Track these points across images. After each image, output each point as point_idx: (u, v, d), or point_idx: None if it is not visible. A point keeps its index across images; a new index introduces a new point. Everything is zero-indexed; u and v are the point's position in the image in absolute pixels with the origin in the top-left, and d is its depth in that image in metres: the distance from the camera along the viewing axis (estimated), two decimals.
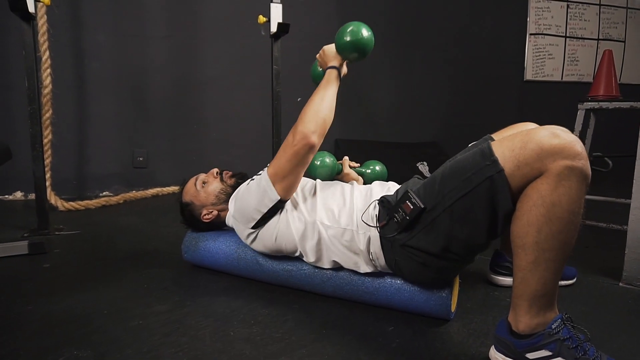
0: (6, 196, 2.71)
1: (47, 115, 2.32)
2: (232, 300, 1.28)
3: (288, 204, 1.29)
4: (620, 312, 1.26)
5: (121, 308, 1.22)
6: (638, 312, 1.26)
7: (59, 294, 1.31)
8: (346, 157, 1.67)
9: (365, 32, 1.28)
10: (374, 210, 1.19)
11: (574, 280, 1.45)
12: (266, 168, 1.27)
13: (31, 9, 1.83)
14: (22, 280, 1.43)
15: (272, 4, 2.18)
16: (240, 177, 1.48)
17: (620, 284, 1.45)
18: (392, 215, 1.11)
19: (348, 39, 1.27)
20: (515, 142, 0.92)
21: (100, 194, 2.87)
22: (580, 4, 4.24)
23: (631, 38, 4.38)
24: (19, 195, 2.72)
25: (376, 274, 1.24)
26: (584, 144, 2.24)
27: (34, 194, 1.98)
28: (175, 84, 3.06)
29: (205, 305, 1.25)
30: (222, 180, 1.47)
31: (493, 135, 1.30)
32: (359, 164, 1.65)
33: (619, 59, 4.37)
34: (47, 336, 1.06)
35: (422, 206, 1.04)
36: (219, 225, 1.49)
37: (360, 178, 1.62)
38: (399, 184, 1.30)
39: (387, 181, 1.44)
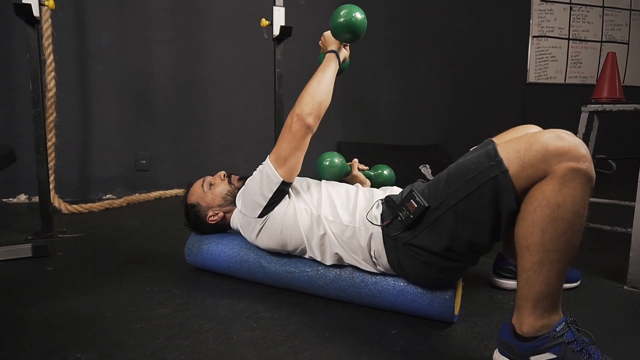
0: (10, 199, 2.72)
1: (51, 118, 2.33)
2: (234, 303, 1.28)
3: (294, 197, 1.31)
4: (625, 315, 1.25)
5: (124, 311, 1.22)
6: None
7: (62, 297, 1.31)
8: (355, 160, 1.68)
9: (358, 14, 1.32)
10: (378, 210, 1.20)
11: (578, 283, 1.45)
12: (268, 156, 1.30)
13: (36, 13, 1.84)
14: (25, 282, 1.44)
15: (274, 7, 2.19)
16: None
17: (625, 287, 1.45)
18: (397, 214, 1.12)
19: (341, 20, 1.32)
20: (520, 144, 0.93)
21: (104, 197, 2.88)
22: (584, 6, 4.23)
23: (635, 40, 4.37)
24: (22, 198, 2.73)
25: (379, 276, 1.23)
26: (587, 146, 2.24)
27: (37, 197, 1.98)
28: (178, 87, 3.07)
29: (208, 308, 1.25)
30: (230, 182, 1.47)
31: (494, 139, 1.29)
32: (367, 167, 1.66)
33: (623, 61, 4.35)
34: (50, 339, 1.06)
35: (426, 205, 1.05)
36: (223, 228, 1.49)
37: (368, 181, 1.63)
38: (402, 188, 1.31)
39: (393, 185, 1.45)
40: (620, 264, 1.49)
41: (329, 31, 1.41)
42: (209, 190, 1.45)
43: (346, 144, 3.53)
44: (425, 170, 3.56)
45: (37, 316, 1.19)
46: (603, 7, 4.27)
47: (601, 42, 4.32)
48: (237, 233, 1.45)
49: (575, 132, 2.05)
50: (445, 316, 1.16)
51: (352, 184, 1.41)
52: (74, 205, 2.46)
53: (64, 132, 2.57)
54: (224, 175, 1.50)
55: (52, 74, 2.29)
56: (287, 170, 1.26)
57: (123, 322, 1.16)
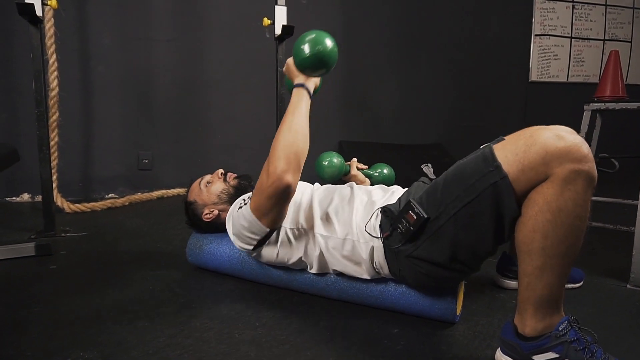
0: (13, 198, 2.73)
1: (54, 117, 2.34)
2: (237, 303, 1.29)
3: (286, 220, 1.26)
4: (627, 314, 1.25)
5: (127, 310, 1.23)
6: None
7: (65, 296, 1.32)
8: (354, 159, 1.67)
9: (327, 42, 1.12)
10: (376, 220, 1.15)
11: (582, 283, 1.44)
12: (248, 202, 1.22)
13: (39, 12, 1.84)
14: (28, 281, 1.44)
15: (276, 7, 2.19)
16: (244, 179, 1.48)
17: (628, 285, 1.44)
18: (396, 226, 1.08)
19: (306, 54, 1.11)
20: (518, 145, 0.89)
21: (106, 196, 2.89)
22: (586, 5, 4.21)
23: (638, 38, 4.35)
24: (26, 197, 2.74)
25: (380, 279, 1.23)
26: (590, 145, 2.24)
27: (40, 196, 1.99)
28: (180, 87, 3.08)
29: (210, 307, 1.26)
30: (225, 180, 1.47)
31: (507, 138, 1.25)
32: (367, 166, 1.65)
33: (626, 59, 4.33)
34: (53, 337, 1.07)
35: (426, 216, 1.01)
36: (219, 227, 1.47)
37: (367, 180, 1.62)
38: (405, 187, 1.29)
39: (393, 184, 1.43)
40: (623, 263, 1.48)
41: (292, 58, 1.22)
42: (205, 188, 1.46)
43: (347, 143, 3.53)
44: (427, 169, 3.56)
45: (40, 315, 1.19)
46: (606, 5, 4.25)
47: (604, 40, 4.30)
48: None
49: (578, 131, 2.04)
50: (447, 317, 1.16)
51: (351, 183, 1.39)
52: (77, 205, 2.46)
53: (67, 131, 2.58)
54: (221, 174, 1.50)
55: (55, 73, 2.30)
56: (270, 220, 1.19)
57: (125, 320, 1.16)
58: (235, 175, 1.50)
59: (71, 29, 2.74)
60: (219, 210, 1.45)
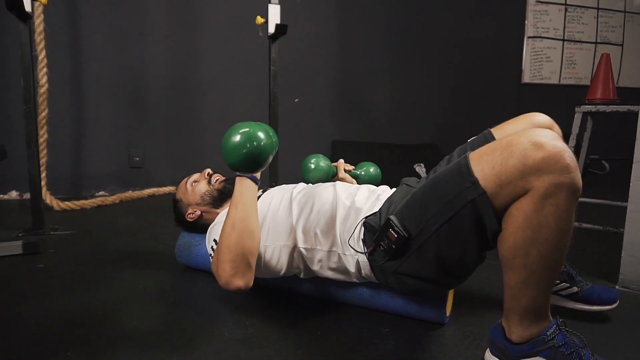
0: (1, 195, 2.69)
1: (43, 114, 2.31)
2: (227, 302, 1.28)
3: (266, 240, 1.19)
4: (616, 315, 1.25)
5: (116, 309, 1.21)
6: (634, 315, 1.26)
7: (53, 295, 1.30)
8: (341, 160, 1.63)
9: (260, 135, 0.98)
10: (360, 234, 1.11)
11: (616, 305, 1.22)
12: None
13: (28, 8, 1.82)
14: (15, 280, 1.42)
15: (270, 5, 2.18)
16: (230, 183, 1.43)
17: (617, 287, 1.45)
18: (378, 243, 1.03)
19: (237, 157, 0.98)
20: (495, 157, 0.83)
21: (96, 194, 2.86)
22: (579, 8, 4.25)
23: (629, 42, 4.39)
24: (14, 194, 2.71)
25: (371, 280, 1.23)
26: (580, 147, 2.26)
27: (29, 194, 1.97)
28: (172, 84, 3.06)
29: (200, 306, 1.25)
30: (209, 182, 1.45)
31: (493, 130, 1.21)
32: (353, 167, 1.63)
33: (617, 62, 4.37)
34: (40, 338, 1.05)
35: (406, 235, 0.97)
36: (201, 227, 1.44)
37: (354, 181, 1.61)
38: (394, 187, 1.28)
39: (381, 183, 1.41)
40: (612, 264, 1.49)
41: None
42: (191, 188, 1.45)
43: (341, 142, 3.53)
44: (420, 169, 3.57)
45: (27, 314, 1.17)
46: (598, 8, 4.29)
47: (596, 43, 4.34)
48: None
49: (569, 133, 2.06)
50: (437, 318, 1.17)
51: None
52: (66, 202, 2.44)
53: (57, 128, 2.55)
54: (207, 174, 1.48)
55: (44, 70, 2.27)
56: (244, 282, 1.05)
57: (114, 320, 1.15)
58: (222, 178, 1.46)
59: (62, 25, 2.71)
60: (202, 211, 1.43)
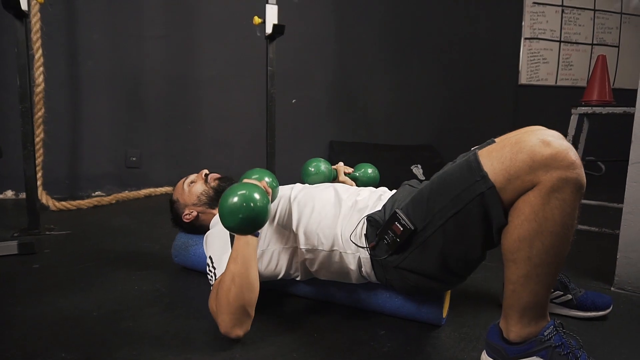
0: None
1: (40, 113, 2.30)
2: None
3: (266, 242, 1.21)
4: (612, 317, 1.26)
5: (111, 310, 1.21)
6: (630, 316, 1.26)
7: (48, 295, 1.29)
8: (340, 163, 1.64)
9: (256, 196, 0.97)
10: (362, 229, 1.12)
11: (609, 310, 1.23)
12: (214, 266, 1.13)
13: (24, 6, 1.81)
14: (10, 280, 1.42)
15: (267, 5, 2.18)
16: (225, 182, 1.44)
17: (612, 288, 1.46)
18: (382, 237, 1.04)
19: (233, 222, 0.96)
20: (504, 153, 0.87)
21: (93, 194, 2.85)
22: (575, 9, 4.26)
23: (625, 43, 4.41)
24: (9, 194, 2.70)
25: (368, 281, 1.23)
26: (576, 148, 2.27)
27: (24, 193, 1.96)
28: (170, 84, 3.05)
29: (196, 308, 1.24)
30: (206, 182, 1.45)
31: (498, 140, 1.23)
32: (352, 169, 1.64)
33: (613, 64, 4.39)
34: (35, 338, 1.05)
35: (413, 227, 0.98)
36: (200, 229, 1.44)
37: (354, 184, 1.61)
38: (394, 188, 1.28)
39: (379, 184, 1.41)
40: (608, 266, 1.50)
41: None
42: (187, 188, 1.44)
43: (338, 143, 3.53)
44: (417, 170, 3.57)
45: (22, 315, 1.17)
46: (594, 10, 4.31)
47: (592, 44, 4.36)
48: None
49: (566, 134, 2.07)
50: (434, 320, 1.17)
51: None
52: (62, 202, 2.43)
53: (53, 128, 2.54)
54: (204, 174, 1.47)
55: (41, 69, 2.27)
56: (245, 330, 1.06)
57: (110, 321, 1.14)
58: (217, 176, 1.47)
59: (58, 24, 2.70)
60: (198, 212, 1.43)
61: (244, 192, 0.97)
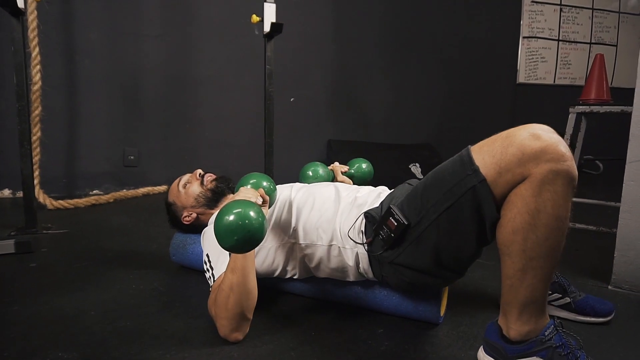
0: None
1: (37, 112, 2.29)
2: None
3: (266, 240, 1.21)
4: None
5: (109, 309, 1.21)
6: (627, 314, 1.27)
7: (45, 294, 1.29)
8: (336, 163, 1.64)
9: (251, 213, 0.94)
10: (360, 225, 1.13)
11: (611, 317, 1.22)
12: (211, 265, 1.14)
13: (20, 4, 1.80)
14: (7, 279, 1.41)
15: (265, 4, 2.17)
16: (222, 182, 1.42)
17: (610, 287, 1.46)
18: (378, 233, 1.05)
19: (231, 242, 0.94)
20: (495, 147, 0.88)
21: (90, 193, 2.84)
22: (573, 8, 4.27)
23: (623, 42, 4.42)
24: (6, 192, 2.69)
25: (365, 280, 1.23)
26: (574, 147, 2.27)
27: (21, 192, 1.95)
28: (168, 83, 3.04)
29: (194, 306, 1.24)
30: (202, 183, 1.42)
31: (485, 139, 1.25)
32: (347, 167, 1.64)
33: (611, 63, 4.40)
34: (32, 337, 1.05)
35: (406, 222, 0.99)
36: (198, 228, 1.43)
37: (351, 182, 1.62)
38: (392, 187, 1.28)
39: (377, 182, 1.41)
40: (605, 264, 1.50)
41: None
42: (183, 190, 1.42)
43: (336, 142, 3.53)
44: (415, 169, 3.58)
45: (19, 314, 1.17)
46: (592, 9, 4.32)
47: (590, 43, 4.36)
48: None
49: (563, 133, 2.07)
50: (431, 318, 1.17)
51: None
52: (60, 201, 2.42)
53: (51, 126, 2.53)
54: (199, 175, 1.45)
55: (38, 67, 2.25)
56: (243, 334, 1.07)
57: (107, 320, 1.14)
58: (213, 177, 1.44)
59: (55, 22, 2.69)
60: (198, 214, 1.42)
61: (239, 210, 0.94)
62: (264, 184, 1.15)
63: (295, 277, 1.25)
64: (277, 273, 1.24)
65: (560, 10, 4.24)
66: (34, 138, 2.26)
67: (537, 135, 0.83)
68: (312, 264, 1.20)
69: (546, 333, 0.89)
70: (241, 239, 0.93)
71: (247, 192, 1.08)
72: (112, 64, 2.89)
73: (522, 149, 0.83)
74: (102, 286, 1.37)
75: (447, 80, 3.98)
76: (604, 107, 2.01)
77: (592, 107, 2.05)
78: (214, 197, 1.40)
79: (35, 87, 2.26)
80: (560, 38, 4.28)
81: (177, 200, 1.44)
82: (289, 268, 1.23)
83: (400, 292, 1.19)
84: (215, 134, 3.18)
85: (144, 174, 2.99)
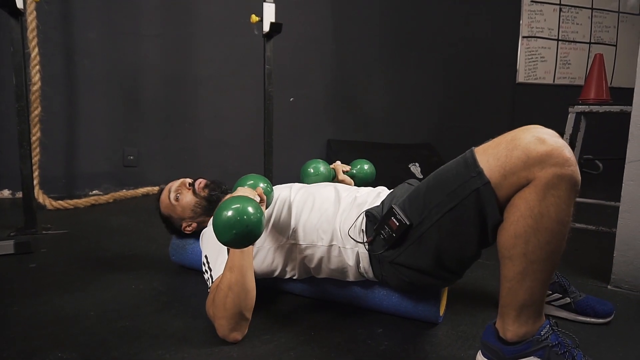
0: None
1: (36, 112, 2.29)
2: None
3: (263, 240, 1.21)
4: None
5: (108, 309, 1.21)
6: (626, 314, 1.27)
7: (45, 295, 1.29)
8: (338, 162, 1.64)
9: (249, 209, 0.95)
10: (361, 224, 1.12)
11: (610, 318, 1.22)
12: (210, 267, 1.14)
13: (20, 5, 1.80)
14: (7, 280, 1.41)
15: (265, 4, 2.17)
16: (214, 189, 1.40)
17: (609, 286, 1.46)
18: (379, 232, 1.05)
19: (229, 237, 0.94)
20: (500, 150, 0.87)
21: (90, 193, 2.84)
22: (573, 8, 4.27)
23: (622, 42, 4.42)
24: (6, 193, 2.69)
25: (364, 280, 1.23)
26: (574, 147, 2.27)
27: (21, 192, 1.95)
28: (167, 83, 3.04)
29: (193, 306, 1.24)
30: (194, 192, 1.39)
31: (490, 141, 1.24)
32: (349, 167, 1.64)
33: (610, 62, 4.40)
34: (32, 338, 1.05)
35: (408, 223, 0.99)
36: (200, 233, 1.41)
37: (352, 182, 1.62)
38: (392, 186, 1.28)
39: (377, 182, 1.41)
40: (605, 264, 1.50)
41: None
42: (177, 203, 1.39)
43: (336, 142, 3.53)
44: (415, 168, 3.58)
45: (18, 314, 1.17)
46: (592, 8, 4.32)
47: (590, 43, 4.36)
48: None
49: (563, 133, 2.07)
50: (431, 318, 1.17)
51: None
52: (59, 201, 2.42)
53: (50, 127, 2.53)
54: (189, 184, 1.42)
55: (37, 67, 2.25)
56: (242, 334, 1.08)
57: (107, 320, 1.14)
58: (204, 183, 1.41)
59: (54, 22, 2.69)
60: (198, 222, 1.41)
61: (237, 206, 0.95)
62: (261, 184, 1.15)
63: (294, 277, 1.25)
64: (276, 273, 1.24)
65: (560, 9, 4.24)
66: (33, 138, 2.26)
67: (542, 140, 0.83)
68: (312, 264, 1.19)
69: (542, 333, 0.89)
70: (240, 234, 0.93)
71: (245, 191, 1.08)
72: (112, 64, 2.89)
73: (528, 153, 0.83)
74: (101, 286, 1.37)
75: (447, 79, 3.98)
76: (604, 106, 2.01)
77: (591, 106, 2.05)
78: (209, 206, 1.39)
79: (35, 88, 2.26)
80: (560, 38, 4.28)
81: (173, 213, 1.41)
82: (288, 269, 1.23)
83: (399, 292, 1.19)
84: (214, 134, 3.18)
85: (144, 174, 2.99)
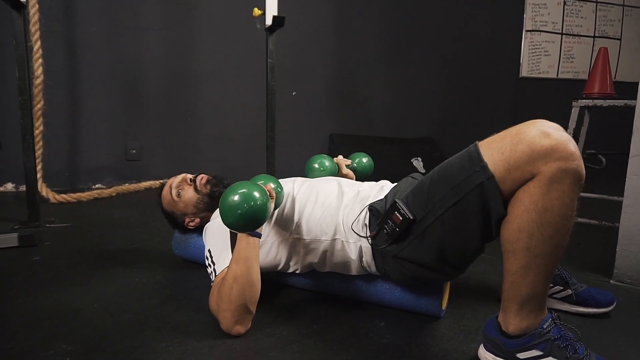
0: None
1: (39, 106, 2.30)
2: None
3: (267, 235, 1.21)
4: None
5: (112, 302, 1.21)
6: (628, 309, 1.27)
7: (48, 288, 1.30)
8: (340, 157, 1.64)
9: (255, 194, 0.98)
10: (364, 219, 1.12)
11: (612, 307, 1.22)
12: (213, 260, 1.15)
13: None
14: (11, 273, 1.42)
15: None
16: (216, 185, 1.40)
17: (612, 281, 1.46)
18: (382, 226, 1.05)
19: (233, 218, 0.97)
20: (504, 144, 0.87)
21: (93, 187, 2.85)
22: (577, 1, 4.23)
23: (627, 36, 4.38)
24: (9, 186, 2.70)
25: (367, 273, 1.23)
26: (577, 141, 2.26)
27: (24, 186, 1.96)
28: (169, 77, 3.04)
29: (196, 299, 1.25)
30: (196, 189, 1.39)
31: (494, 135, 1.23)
32: (350, 161, 1.65)
33: (615, 56, 4.37)
34: (36, 330, 1.05)
35: (412, 217, 0.99)
36: (203, 227, 1.42)
37: (354, 176, 1.63)
38: (394, 181, 1.28)
39: (379, 176, 1.41)
40: (607, 259, 1.50)
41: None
42: (178, 199, 1.39)
43: (338, 136, 3.52)
44: (417, 163, 3.57)
45: (22, 307, 1.17)
46: (596, 2, 4.28)
47: (594, 37, 4.33)
48: None
49: (566, 127, 2.06)
50: (433, 312, 1.17)
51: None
52: (63, 195, 2.43)
53: (53, 120, 2.54)
54: (190, 180, 1.41)
55: (40, 60, 2.25)
56: (246, 327, 1.08)
57: (110, 313, 1.15)
58: (206, 179, 1.41)
59: (57, 15, 2.68)
60: (201, 218, 1.42)
61: (244, 190, 0.98)
62: (272, 184, 1.15)
63: (297, 271, 1.25)
64: (279, 267, 1.24)
65: (564, 3, 4.21)
66: (36, 132, 2.26)
67: (547, 133, 0.83)
68: (316, 259, 1.19)
69: (544, 326, 0.89)
70: (244, 214, 0.95)
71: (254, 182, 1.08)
72: (114, 58, 2.89)
73: (532, 147, 0.83)
74: (104, 279, 1.37)
75: (449, 74, 3.96)
76: (608, 100, 2.00)
77: (595, 100, 2.04)
78: (212, 202, 1.39)
79: (38, 81, 2.26)
80: (564, 31, 4.25)
81: (175, 209, 1.41)
82: (291, 263, 1.23)
83: (402, 286, 1.19)
84: (216, 128, 3.18)
85: (146, 167, 3.00)
